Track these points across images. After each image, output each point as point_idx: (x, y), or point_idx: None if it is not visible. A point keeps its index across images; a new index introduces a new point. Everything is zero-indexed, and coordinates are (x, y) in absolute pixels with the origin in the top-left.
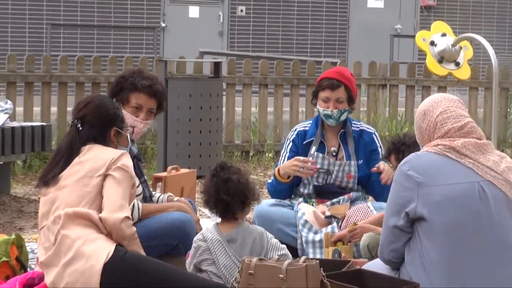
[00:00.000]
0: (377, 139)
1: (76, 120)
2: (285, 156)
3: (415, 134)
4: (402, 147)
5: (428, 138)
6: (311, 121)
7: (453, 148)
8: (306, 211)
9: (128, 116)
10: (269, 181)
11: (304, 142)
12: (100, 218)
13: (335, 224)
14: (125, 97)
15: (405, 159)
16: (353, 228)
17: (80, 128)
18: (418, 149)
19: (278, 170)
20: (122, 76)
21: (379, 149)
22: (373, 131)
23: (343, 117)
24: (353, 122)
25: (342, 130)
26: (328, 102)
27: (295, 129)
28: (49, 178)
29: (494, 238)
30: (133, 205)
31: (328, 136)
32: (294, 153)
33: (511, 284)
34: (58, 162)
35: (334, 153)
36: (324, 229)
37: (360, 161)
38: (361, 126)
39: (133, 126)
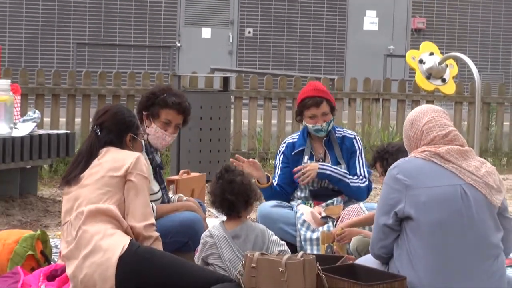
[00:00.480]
0: (357, 142)
1: (95, 126)
2: (278, 167)
3: (397, 144)
4: (385, 155)
5: (415, 145)
6: (298, 133)
7: (438, 154)
8: (305, 211)
9: (158, 130)
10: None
11: (293, 153)
12: (120, 215)
13: (330, 223)
14: (155, 112)
15: (394, 164)
16: (341, 232)
17: (99, 133)
18: (400, 156)
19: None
20: (153, 93)
21: (358, 151)
22: (353, 136)
23: (330, 127)
24: (336, 129)
25: (326, 138)
26: (315, 118)
27: (285, 142)
28: (71, 178)
29: (475, 236)
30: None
31: (315, 145)
32: (285, 163)
33: (490, 278)
34: (79, 164)
35: (321, 160)
36: (320, 228)
37: (343, 166)
38: (343, 133)
39: (148, 134)
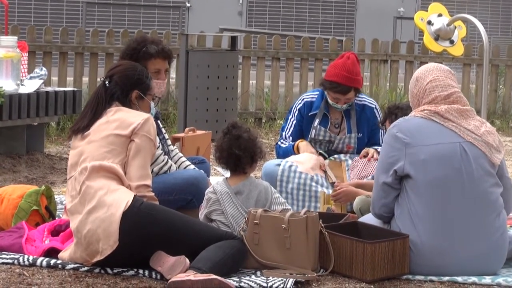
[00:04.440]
0: (378, 113)
1: (106, 78)
2: (292, 122)
3: (408, 102)
4: (395, 110)
5: (417, 102)
6: (318, 92)
7: (437, 112)
8: (298, 162)
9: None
10: (283, 145)
11: (309, 114)
12: (123, 174)
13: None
14: (142, 65)
15: (394, 123)
16: (336, 193)
17: (107, 85)
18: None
19: (297, 146)
20: (133, 48)
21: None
22: (374, 106)
23: (349, 106)
24: (356, 96)
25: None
26: (337, 100)
27: (303, 99)
28: (78, 128)
29: (474, 193)
30: (170, 166)
31: (332, 109)
32: (299, 121)
33: (492, 235)
34: (86, 114)
35: (336, 126)
36: (320, 188)
37: (360, 135)
38: (363, 101)
39: (157, 97)
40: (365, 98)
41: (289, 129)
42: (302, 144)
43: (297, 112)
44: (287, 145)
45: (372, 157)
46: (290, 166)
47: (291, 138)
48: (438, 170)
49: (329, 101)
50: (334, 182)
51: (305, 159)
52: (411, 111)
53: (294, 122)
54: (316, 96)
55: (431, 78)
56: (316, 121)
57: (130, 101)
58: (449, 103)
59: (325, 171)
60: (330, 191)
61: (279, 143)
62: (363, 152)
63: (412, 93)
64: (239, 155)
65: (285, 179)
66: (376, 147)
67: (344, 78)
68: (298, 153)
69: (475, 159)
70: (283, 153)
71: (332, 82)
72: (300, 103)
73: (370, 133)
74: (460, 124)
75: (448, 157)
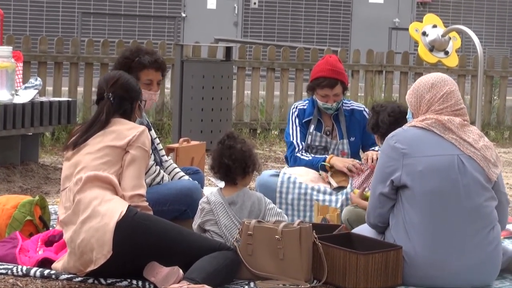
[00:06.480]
0: (368, 114)
1: (109, 94)
2: (297, 129)
3: (386, 104)
4: (378, 108)
5: (426, 108)
6: (307, 101)
7: (440, 121)
8: (297, 174)
9: (143, 92)
10: (305, 158)
11: (303, 121)
12: (118, 184)
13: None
14: (134, 75)
15: (393, 133)
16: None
17: (113, 102)
18: (383, 118)
19: (329, 161)
20: (126, 57)
21: None
22: (362, 108)
23: (339, 105)
24: (344, 102)
25: (335, 112)
26: (327, 97)
27: (296, 106)
28: (80, 141)
29: (470, 205)
30: (162, 177)
31: (324, 117)
32: (301, 125)
33: (486, 248)
34: (91, 131)
35: (328, 133)
36: (321, 196)
37: (352, 138)
38: (352, 106)
39: (145, 100)
40: (352, 103)
41: (297, 136)
42: (336, 158)
43: (296, 118)
44: (310, 158)
45: (372, 161)
46: (289, 177)
47: (303, 144)
48: (435, 182)
49: (319, 103)
50: (337, 187)
51: (304, 172)
52: (392, 115)
53: (298, 128)
54: (306, 104)
55: (448, 88)
56: (312, 127)
57: (134, 113)
58: (454, 115)
59: (329, 182)
60: (333, 197)
61: (298, 154)
62: (363, 156)
63: (421, 98)
64: (229, 165)
65: (285, 190)
66: (374, 148)
67: (328, 71)
68: (329, 169)
69: (472, 173)
70: (306, 165)
71: (318, 78)
72: (296, 110)
73: (363, 135)
74: (459, 136)
75: (446, 169)
